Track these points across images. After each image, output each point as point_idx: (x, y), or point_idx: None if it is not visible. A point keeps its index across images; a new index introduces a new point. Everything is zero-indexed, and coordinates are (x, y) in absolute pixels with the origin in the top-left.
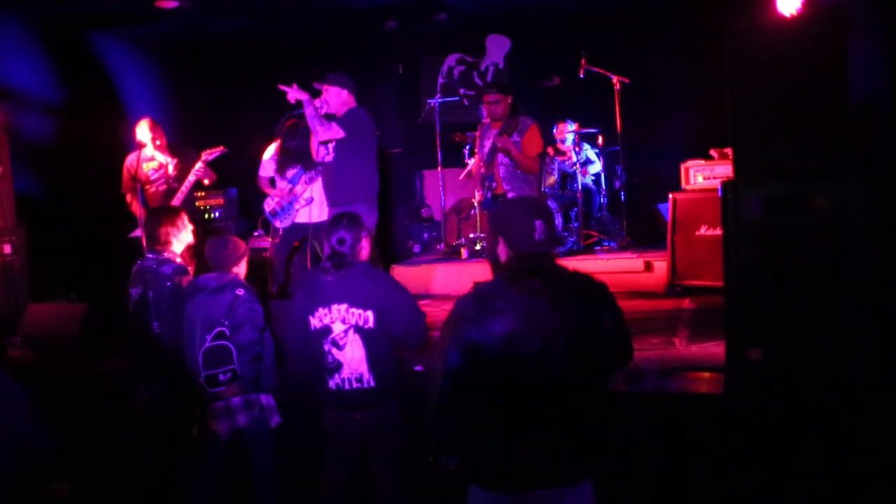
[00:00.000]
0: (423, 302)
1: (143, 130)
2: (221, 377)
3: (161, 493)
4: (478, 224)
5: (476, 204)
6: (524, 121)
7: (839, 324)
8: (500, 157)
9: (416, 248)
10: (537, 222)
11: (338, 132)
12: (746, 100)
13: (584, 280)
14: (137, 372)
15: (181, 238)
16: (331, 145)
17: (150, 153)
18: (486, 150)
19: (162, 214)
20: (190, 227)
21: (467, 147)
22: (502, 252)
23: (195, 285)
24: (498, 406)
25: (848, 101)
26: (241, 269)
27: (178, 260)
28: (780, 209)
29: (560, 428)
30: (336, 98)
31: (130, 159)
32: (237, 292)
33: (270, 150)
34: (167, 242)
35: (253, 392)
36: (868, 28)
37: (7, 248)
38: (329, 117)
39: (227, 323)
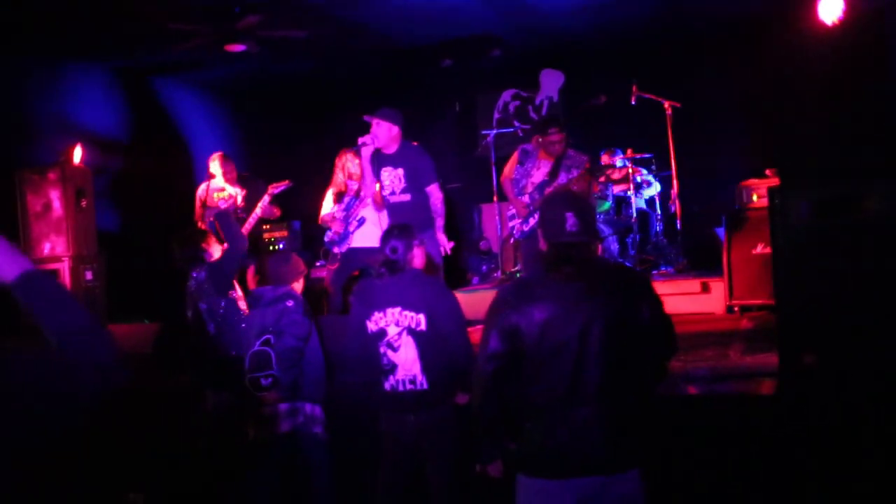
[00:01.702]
0: (478, 327)
1: (215, 163)
2: (263, 381)
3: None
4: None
5: (515, 233)
6: (580, 157)
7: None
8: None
9: (475, 280)
10: (568, 214)
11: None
12: (791, 105)
13: (623, 269)
14: (203, 382)
15: (212, 254)
16: (402, 184)
17: (220, 184)
18: (537, 181)
19: (196, 235)
20: (218, 246)
21: None
22: (541, 244)
23: (253, 297)
24: (538, 391)
25: (891, 102)
26: (298, 286)
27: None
28: (828, 212)
29: (601, 414)
30: (387, 133)
31: (202, 189)
32: (287, 304)
33: (329, 197)
34: (202, 259)
35: (298, 400)
36: None
37: (89, 275)
38: (376, 154)
39: (273, 330)
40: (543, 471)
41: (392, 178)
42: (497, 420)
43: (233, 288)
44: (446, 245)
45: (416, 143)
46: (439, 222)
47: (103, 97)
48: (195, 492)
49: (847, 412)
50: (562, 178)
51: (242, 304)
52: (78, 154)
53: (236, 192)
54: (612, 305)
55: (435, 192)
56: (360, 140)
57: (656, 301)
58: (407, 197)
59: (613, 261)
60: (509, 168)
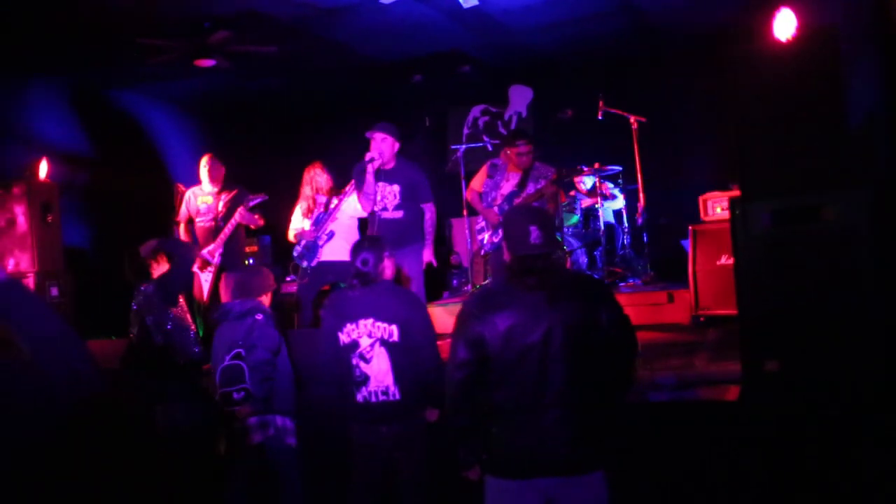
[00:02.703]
0: (448, 340)
1: (203, 165)
2: (235, 395)
3: None
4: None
5: (486, 246)
6: (547, 169)
7: (851, 331)
8: (533, 203)
9: (446, 294)
10: (532, 227)
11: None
12: (750, 118)
13: (583, 278)
14: (153, 397)
15: (159, 269)
16: (396, 201)
17: (206, 188)
18: (506, 192)
19: (149, 251)
20: (165, 263)
21: None
22: (506, 255)
23: (222, 311)
24: (505, 396)
25: (845, 115)
26: (266, 300)
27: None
28: (787, 221)
29: (565, 417)
30: (390, 149)
31: (189, 192)
32: (256, 317)
33: (298, 211)
34: (149, 276)
35: (268, 413)
36: (863, 48)
37: (54, 291)
38: (380, 171)
39: (243, 344)
40: (510, 472)
41: (386, 193)
42: (470, 426)
43: (177, 303)
44: (432, 260)
45: (412, 162)
46: (429, 239)
47: (71, 112)
48: None
49: (808, 417)
50: (530, 189)
51: (188, 318)
52: (44, 168)
53: (219, 194)
54: (572, 313)
55: (430, 210)
56: (368, 156)
57: (615, 307)
58: (399, 214)
59: (574, 271)
60: (478, 182)
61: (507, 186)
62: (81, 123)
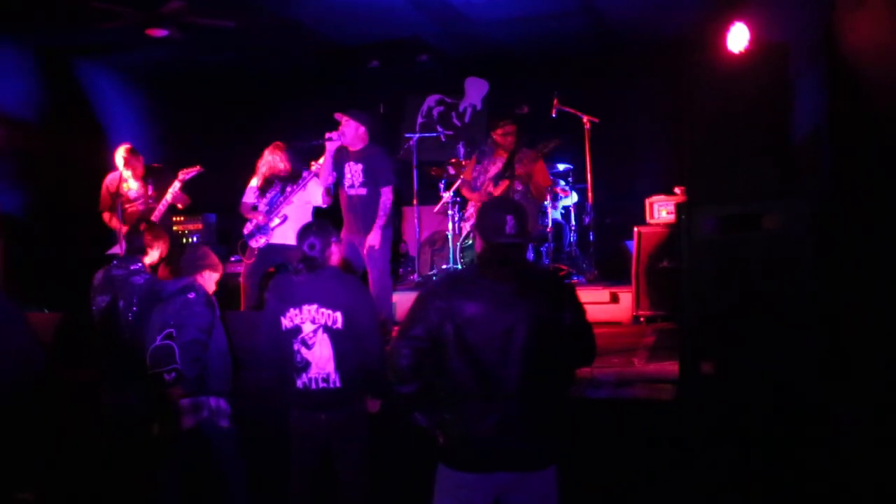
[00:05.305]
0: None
1: (120, 157)
2: (166, 377)
3: (128, 498)
4: (450, 255)
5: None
6: (531, 153)
7: (787, 335)
8: (516, 185)
9: None
10: (508, 217)
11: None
12: (701, 126)
13: (553, 276)
14: (107, 378)
15: (155, 252)
16: (360, 178)
17: (127, 174)
18: (493, 174)
19: (150, 225)
20: (157, 251)
21: (443, 181)
22: (478, 244)
23: (154, 291)
24: (461, 384)
25: (791, 128)
26: (205, 279)
27: (149, 271)
28: (731, 228)
29: (522, 412)
30: (353, 131)
31: (111, 178)
32: (188, 296)
33: (255, 181)
34: (144, 252)
35: (202, 395)
36: (810, 65)
37: None
38: (341, 150)
39: (174, 324)
40: (464, 464)
41: (352, 172)
42: (421, 390)
43: None
44: (375, 243)
45: (380, 147)
46: (379, 222)
47: (12, 74)
48: (93, 490)
49: (741, 418)
50: (517, 170)
51: None
52: None
53: (138, 177)
54: (538, 308)
55: (386, 193)
56: (327, 135)
57: (579, 309)
58: (363, 191)
59: (541, 265)
60: (467, 172)
61: (494, 169)
62: (24, 86)
